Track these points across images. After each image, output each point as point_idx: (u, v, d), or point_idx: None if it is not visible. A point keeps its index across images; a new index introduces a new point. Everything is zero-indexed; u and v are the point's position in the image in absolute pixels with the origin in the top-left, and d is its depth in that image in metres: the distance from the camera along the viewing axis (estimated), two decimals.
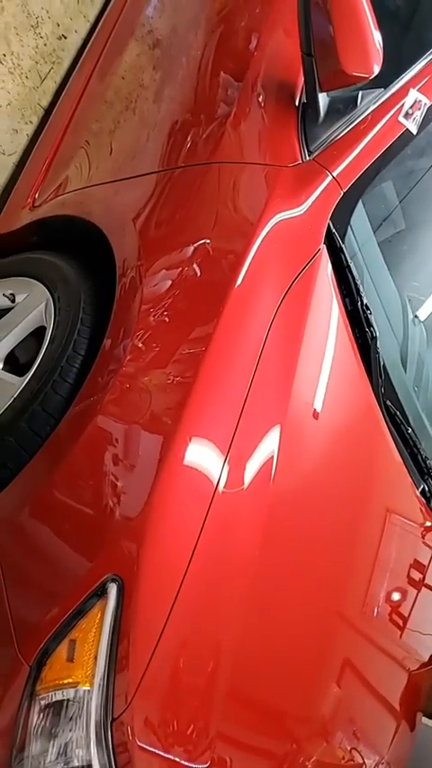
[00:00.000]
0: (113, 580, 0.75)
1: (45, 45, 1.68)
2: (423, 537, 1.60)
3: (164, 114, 1.37)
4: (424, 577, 1.68)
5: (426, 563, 1.68)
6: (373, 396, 1.22)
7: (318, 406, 1.12)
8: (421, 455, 1.40)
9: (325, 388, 1.13)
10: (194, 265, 1.03)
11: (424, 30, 1.39)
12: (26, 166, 1.55)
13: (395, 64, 1.26)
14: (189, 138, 1.18)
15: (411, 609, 1.64)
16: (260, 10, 1.66)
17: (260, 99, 1.19)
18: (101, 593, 0.75)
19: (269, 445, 1.00)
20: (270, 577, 1.04)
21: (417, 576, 1.65)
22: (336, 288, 1.09)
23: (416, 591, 1.66)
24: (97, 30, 1.85)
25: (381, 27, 1.11)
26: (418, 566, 1.64)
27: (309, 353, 1.08)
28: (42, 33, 1.66)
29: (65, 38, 1.75)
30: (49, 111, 1.69)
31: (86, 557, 0.82)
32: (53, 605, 0.80)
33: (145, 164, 1.20)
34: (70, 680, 0.72)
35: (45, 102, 1.69)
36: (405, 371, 1.45)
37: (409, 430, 1.33)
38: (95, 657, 0.72)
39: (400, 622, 1.60)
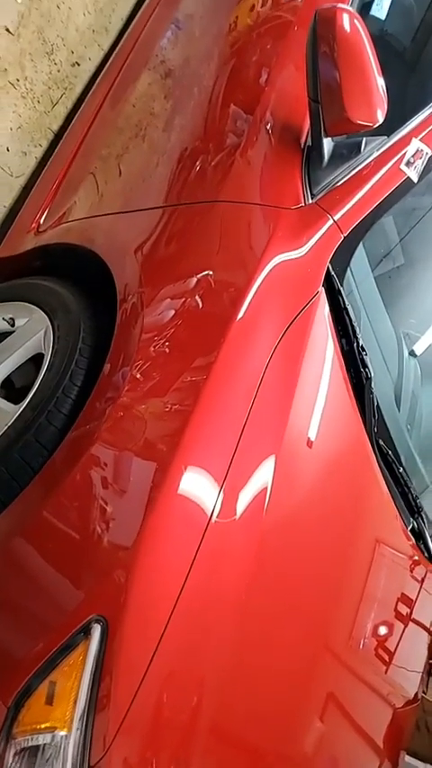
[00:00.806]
0: (98, 621, 0.75)
1: (59, 71, 1.71)
2: (411, 572, 1.60)
3: (173, 143, 1.40)
4: (411, 613, 1.68)
5: (413, 598, 1.68)
6: (366, 434, 1.23)
7: (311, 442, 1.14)
8: (412, 494, 1.41)
9: (318, 425, 1.14)
10: (196, 298, 1.05)
11: (428, 80, 1.42)
12: (33, 190, 1.57)
13: (399, 112, 1.30)
14: (195, 174, 1.21)
15: (398, 644, 1.63)
16: (271, 46, 1.72)
17: (267, 139, 1.21)
18: (85, 632, 0.75)
19: (264, 477, 1.01)
20: (258, 611, 1.04)
21: (404, 611, 1.65)
22: (332, 329, 1.11)
23: (402, 626, 1.66)
24: (111, 58, 1.89)
25: (385, 75, 1.14)
26: (405, 600, 1.64)
27: (304, 392, 1.09)
28: (57, 60, 1.70)
29: (78, 65, 1.79)
30: (58, 136, 1.72)
31: (74, 592, 0.82)
32: (38, 640, 0.79)
33: (150, 197, 1.22)
34: (48, 724, 0.71)
35: (55, 127, 1.72)
36: (399, 410, 1.46)
37: (401, 469, 1.34)
38: (75, 701, 0.71)
39: (387, 658, 1.59)
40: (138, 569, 0.83)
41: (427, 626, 1.84)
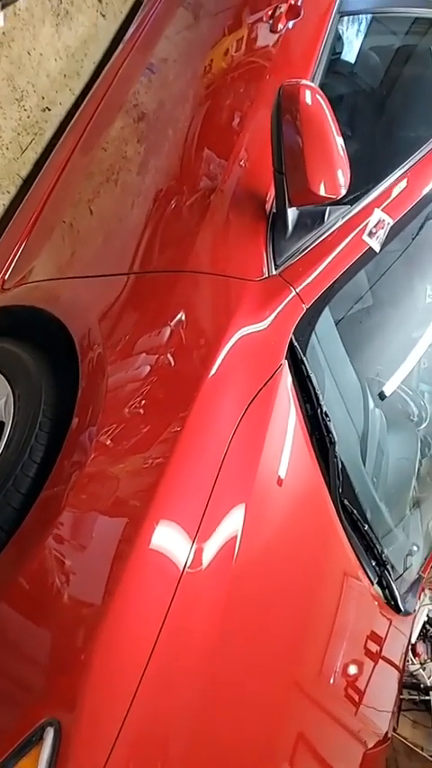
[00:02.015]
0: (51, 724, 0.74)
1: (28, 117, 1.71)
2: (376, 622, 1.62)
3: (141, 204, 1.41)
4: (380, 651, 1.70)
5: (380, 642, 1.70)
6: (329, 496, 1.25)
7: (276, 501, 1.15)
8: (377, 549, 1.43)
9: (283, 491, 1.16)
10: (155, 377, 1.05)
11: (389, 149, 1.46)
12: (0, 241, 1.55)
13: (363, 181, 1.33)
14: (161, 240, 1.21)
15: (367, 684, 1.65)
16: (244, 90, 1.75)
17: (233, 205, 1.23)
18: (38, 736, 0.73)
19: (233, 527, 1.02)
20: (226, 664, 1.03)
21: (373, 649, 1.66)
22: (296, 399, 1.12)
23: (372, 665, 1.67)
24: (84, 103, 1.89)
25: (348, 145, 1.17)
26: (374, 640, 1.66)
27: (268, 462, 1.11)
28: (26, 106, 1.70)
29: (48, 110, 1.79)
30: (27, 182, 1.71)
31: (30, 689, 0.81)
32: None
33: (115, 263, 1.22)
34: None
35: (24, 173, 1.71)
36: (364, 464, 1.48)
37: (366, 527, 1.36)
38: None
39: (357, 698, 1.60)
40: (95, 664, 0.82)
41: (397, 663, 1.87)
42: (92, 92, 1.89)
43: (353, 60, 1.88)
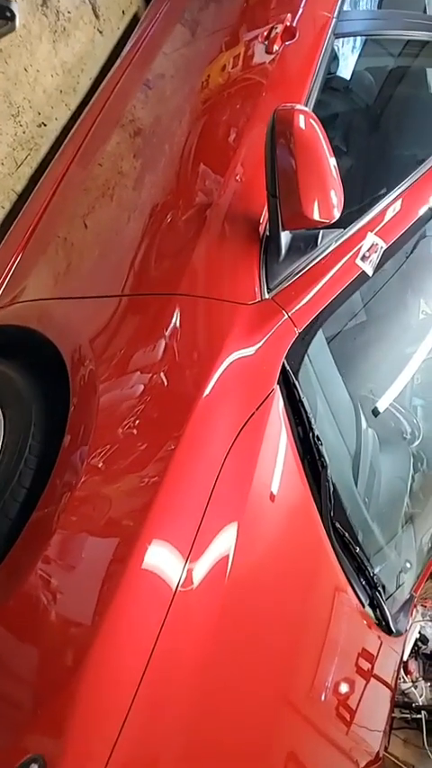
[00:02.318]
0: (35, 761, 0.72)
1: (24, 133, 1.71)
2: (365, 645, 1.61)
3: (135, 223, 1.41)
4: (368, 682, 1.69)
5: (368, 670, 1.69)
6: (320, 519, 1.24)
7: (267, 523, 1.15)
8: (369, 571, 1.42)
9: (274, 515, 1.16)
10: (148, 398, 1.05)
11: (382, 168, 1.47)
12: None
13: (356, 204, 1.34)
14: (154, 261, 1.21)
15: (358, 705, 1.64)
16: (240, 106, 1.75)
17: (227, 227, 1.23)
18: None
19: (226, 546, 1.01)
20: (217, 683, 1.02)
21: (364, 675, 1.65)
22: (288, 424, 1.12)
23: (362, 689, 1.66)
24: (80, 118, 1.90)
25: (342, 164, 1.17)
26: (366, 657, 1.65)
27: (260, 484, 1.10)
28: (22, 122, 1.70)
29: (44, 125, 1.79)
30: (22, 197, 1.71)
31: (16, 722, 0.79)
32: None
33: (108, 284, 1.22)
34: None
35: (19, 188, 1.71)
36: (356, 485, 1.48)
37: (357, 549, 1.35)
38: None
39: (348, 717, 1.59)
40: (84, 691, 0.81)
41: (389, 682, 1.86)
42: (88, 107, 1.90)
43: (347, 80, 1.89)
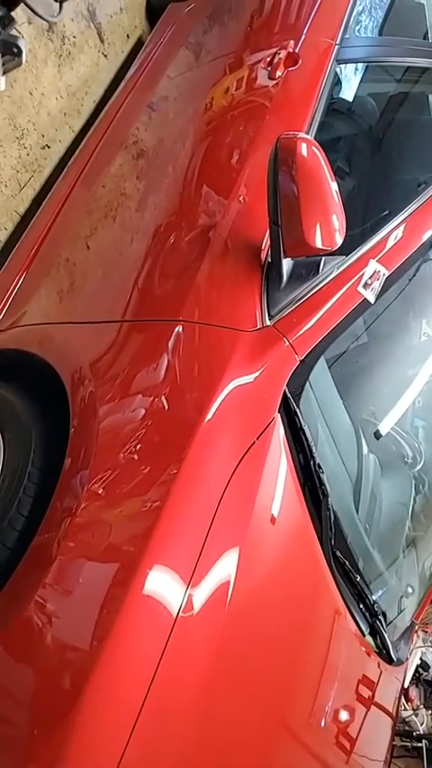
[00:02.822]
0: None
1: (28, 155, 1.72)
2: (365, 673, 1.59)
3: (145, 224, 1.40)
4: (369, 710, 1.66)
5: (369, 696, 1.66)
6: (320, 548, 1.23)
7: (268, 550, 1.13)
8: (369, 600, 1.40)
9: (275, 537, 1.15)
10: (149, 422, 1.04)
11: (385, 197, 1.48)
12: None
13: (358, 231, 1.34)
14: (156, 287, 1.21)
15: (359, 733, 1.60)
16: (243, 130, 1.77)
17: (229, 253, 1.23)
18: None
19: (227, 572, 1.00)
20: (217, 710, 1.01)
21: (364, 703, 1.63)
22: (288, 452, 1.11)
23: (363, 717, 1.63)
24: (84, 140, 1.91)
25: (344, 187, 1.18)
26: (367, 685, 1.63)
27: (261, 511, 1.09)
28: (26, 144, 1.71)
29: (48, 147, 1.80)
30: (24, 218, 1.71)
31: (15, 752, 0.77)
32: None
33: (110, 309, 1.21)
34: None
35: (22, 210, 1.72)
36: (357, 511, 1.47)
37: (358, 578, 1.33)
38: None
39: (348, 745, 1.56)
40: (83, 720, 0.80)
41: (390, 710, 1.82)
42: (92, 129, 1.92)
43: (350, 106, 1.91)
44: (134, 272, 1.27)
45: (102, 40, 2.03)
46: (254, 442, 1.05)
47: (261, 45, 1.98)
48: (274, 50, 1.85)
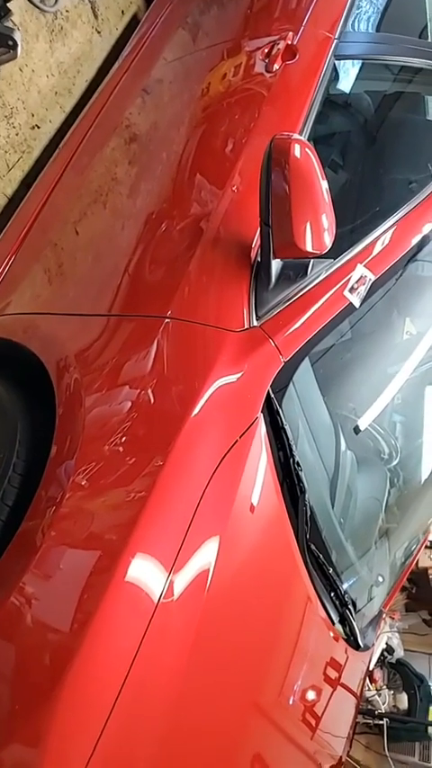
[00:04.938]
0: None
1: (17, 135, 1.68)
2: (333, 657, 1.66)
3: (137, 210, 1.39)
4: (335, 691, 1.73)
5: (335, 678, 1.73)
6: (296, 541, 1.27)
7: (246, 540, 1.17)
8: (340, 590, 1.46)
9: (253, 529, 1.18)
10: (134, 416, 1.06)
11: (376, 199, 1.49)
12: None
13: (347, 231, 1.36)
14: (145, 281, 1.21)
15: (324, 712, 1.68)
16: (239, 116, 1.75)
17: (219, 251, 1.24)
18: None
19: (207, 559, 1.04)
20: (192, 695, 1.05)
21: (331, 684, 1.70)
22: (269, 449, 1.14)
23: (329, 697, 1.71)
24: (76, 122, 1.87)
25: (336, 189, 1.19)
26: (334, 667, 1.70)
27: (241, 504, 1.12)
28: (15, 123, 1.67)
29: (38, 127, 1.76)
30: (12, 200, 1.68)
31: None
32: None
33: (97, 302, 1.21)
34: None
35: (9, 191, 1.68)
36: (333, 507, 1.51)
37: (330, 570, 1.38)
38: None
39: (314, 723, 1.64)
40: (65, 699, 0.84)
41: (355, 691, 1.91)
42: (85, 110, 1.87)
43: (346, 103, 1.90)
44: (123, 263, 1.27)
45: (95, 16, 1.97)
46: (236, 441, 1.07)
47: (260, 31, 1.94)
48: (272, 39, 1.82)
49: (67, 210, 1.60)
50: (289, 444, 1.18)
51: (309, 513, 1.27)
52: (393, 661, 2.62)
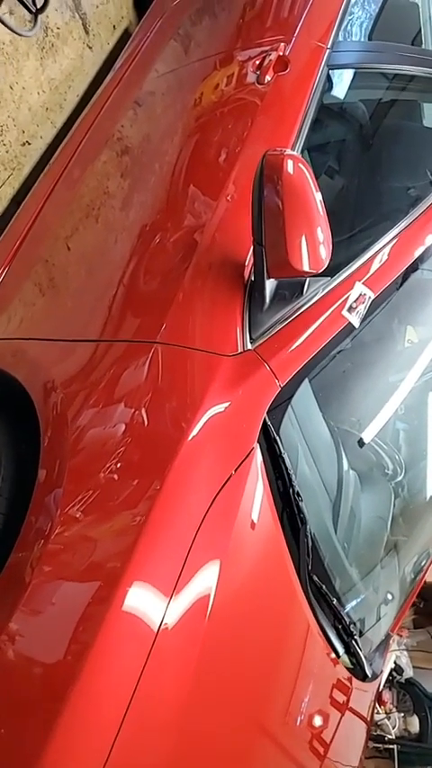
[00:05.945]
0: None
1: (7, 152, 1.65)
2: (339, 687, 1.60)
3: (130, 224, 1.35)
4: (343, 717, 1.67)
5: (343, 703, 1.67)
6: (295, 573, 1.22)
7: (245, 571, 1.12)
8: (344, 622, 1.40)
9: (252, 560, 1.13)
10: (125, 449, 1.01)
11: (371, 215, 1.44)
12: None
13: (345, 249, 1.31)
14: (135, 306, 1.17)
15: (332, 739, 1.62)
16: (232, 126, 1.71)
17: (211, 273, 1.19)
18: None
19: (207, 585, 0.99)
20: (196, 726, 1.01)
21: (339, 709, 1.64)
22: (267, 483, 1.09)
23: (336, 725, 1.65)
24: (68, 136, 1.84)
25: (331, 200, 1.14)
26: (337, 699, 1.64)
27: (238, 539, 1.07)
28: (6, 141, 1.64)
29: (29, 144, 1.73)
30: (2, 218, 1.65)
31: None
32: None
33: (86, 327, 1.17)
34: None
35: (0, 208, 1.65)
36: (336, 532, 1.45)
37: (334, 600, 1.33)
38: None
39: (322, 751, 1.58)
40: (59, 737, 0.79)
41: (364, 716, 1.85)
42: (76, 125, 1.84)
43: (341, 111, 1.87)
44: (114, 281, 1.22)
45: (87, 32, 1.94)
46: (231, 475, 1.02)
47: (252, 42, 1.91)
48: (264, 50, 1.79)
49: (59, 226, 1.56)
50: (288, 474, 1.12)
51: (310, 543, 1.22)
52: (403, 681, 2.55)
